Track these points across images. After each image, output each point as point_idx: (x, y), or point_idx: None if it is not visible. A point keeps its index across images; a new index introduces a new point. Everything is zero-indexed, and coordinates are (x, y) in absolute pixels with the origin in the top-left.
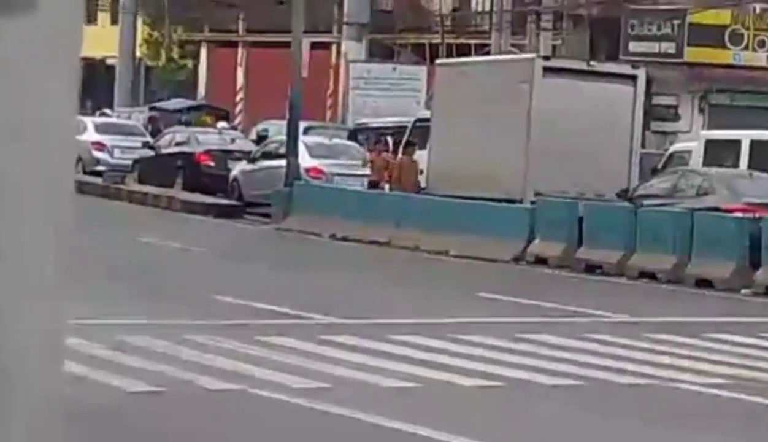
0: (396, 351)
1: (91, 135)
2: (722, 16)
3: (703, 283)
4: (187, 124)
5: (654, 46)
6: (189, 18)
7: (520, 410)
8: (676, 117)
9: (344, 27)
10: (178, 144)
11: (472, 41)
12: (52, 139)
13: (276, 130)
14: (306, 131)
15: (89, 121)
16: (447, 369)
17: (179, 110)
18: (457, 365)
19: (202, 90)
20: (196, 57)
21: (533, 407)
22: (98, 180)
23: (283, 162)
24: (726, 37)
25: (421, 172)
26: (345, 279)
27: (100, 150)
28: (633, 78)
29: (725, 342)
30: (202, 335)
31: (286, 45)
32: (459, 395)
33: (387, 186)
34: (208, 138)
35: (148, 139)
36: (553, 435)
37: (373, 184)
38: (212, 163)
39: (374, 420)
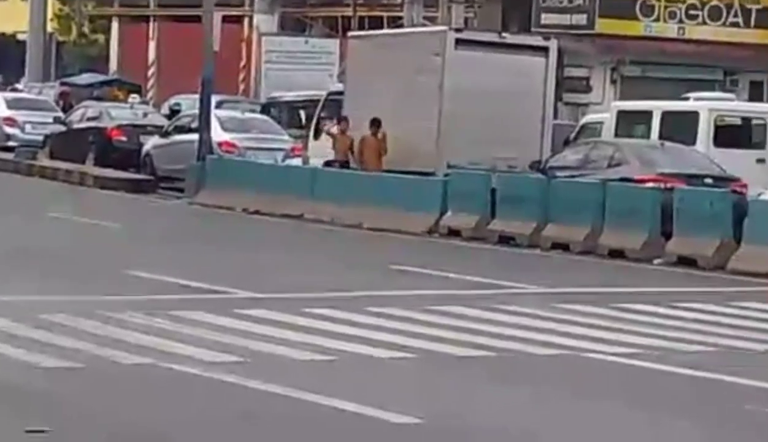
0: (311, 324)
1: (2, 110)
2: None
3: (616, 253)
4: (99, 99)
5: (566, 18)
6: None
7: (434, 382)
8: (588, 88)
9: (256, 0)
10: (90, 119)
11: (385, 14)
12: None
13: (188, 104)
14: (218, 105)
15: (0, 96)
16: (362, 341)
17: (91, 85)
18: (372, 337)
19: (113, 65)
20: (107, 31)
21: (447, 378)
22: (10, 156)
23: (195, 136)
24: (637, 9)
25: (385, 151)
26: (259, 253)
27: (11, 126)
28: (545, 50)
29: (637, 312)
30: (117, 310)
31: (198, 19)
32: (374, 367)
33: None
34: (120, 113)
35: (60, 114)
36: (467, 406)
37: (339, 165)
38: (124, 138)
39: (290, 393)
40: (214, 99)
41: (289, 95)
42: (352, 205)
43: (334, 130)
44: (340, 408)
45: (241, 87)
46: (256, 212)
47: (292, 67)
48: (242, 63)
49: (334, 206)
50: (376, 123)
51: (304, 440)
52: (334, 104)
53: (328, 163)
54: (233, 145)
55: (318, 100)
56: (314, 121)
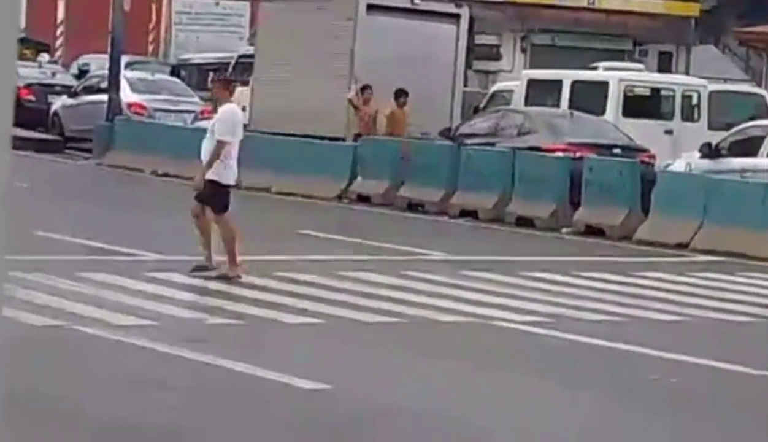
0: (219, 288)
1: None
2: None
3: (524, 222)
4: None
5: None
6: None
7: (342, 347)
8: (498, 56)
9: None
10: None
11: None
12: None
13: (97, 64)
14: (128, 66)
15: None
16: (270, 306)
17: None
18: (280, 301)
19: (22, 23)
20: None
21: (354, 344)
22: None
23: (104, 97)
24: None
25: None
26: (168, 215)
27: None
28: (456, 17)
29: (544, 281)
30: (25, 271)
31: None
32: (282, 331)
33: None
34: (28, 72)
35: None
36: (374, 372)
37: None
38: (32, 98)
39: (198, 357)
40: (123, 60)
41: (199, 57)
42: (262, 169)
43: (356, 99)
44: (247, 373)
45: (151, 48)
46: (165, 175)
47: (202, 29)
48: (152, 24)
49: (243, 170)
50: (403, 94)
51: (211, 404)
52: (244, 67)
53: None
54: (142, 107)
55: (228, 63)
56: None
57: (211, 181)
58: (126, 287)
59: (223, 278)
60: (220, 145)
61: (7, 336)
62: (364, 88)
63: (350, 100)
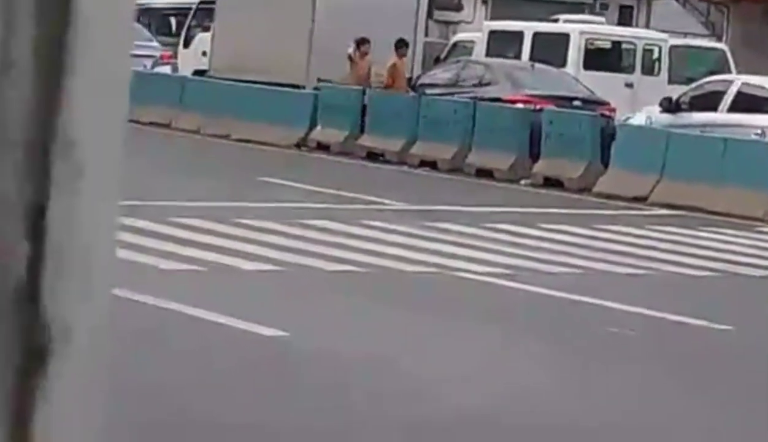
0: (178, 234)
1: None
2: None
3: (484, 173)
4: None
5: None
6: None
7: (302, 296)
8: (460, 7)
9: None
10: None
11: None
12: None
13: None
14: None
15: None
16: (229, 253)
17: None
18: (239, 248)
19: None
20: None
21: (314, 292)
22: None
23: None
24: None
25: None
26: (125, 160)
27: None
28: None
29: (504, 232)
30: None
31: None
32: (241, 278)
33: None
34: None
35: None
36: (334, 321)
37: None
38: None
39: (155, 302)
40: None
41: (160, 2)
42: (221, 116)
43: (354, 54)
44: (205, 318)
45: None
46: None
47: None
48: None
49: (202, 116)
50: (404, 45)
51: (170, 348)
52: (205, 13)
53: (198, 73)
54: None
55: (189, 9)
56: (185, 29)
57: None
58: None
59: None
60: None
61: None
62: (362, 42)
63: (349, 56)
